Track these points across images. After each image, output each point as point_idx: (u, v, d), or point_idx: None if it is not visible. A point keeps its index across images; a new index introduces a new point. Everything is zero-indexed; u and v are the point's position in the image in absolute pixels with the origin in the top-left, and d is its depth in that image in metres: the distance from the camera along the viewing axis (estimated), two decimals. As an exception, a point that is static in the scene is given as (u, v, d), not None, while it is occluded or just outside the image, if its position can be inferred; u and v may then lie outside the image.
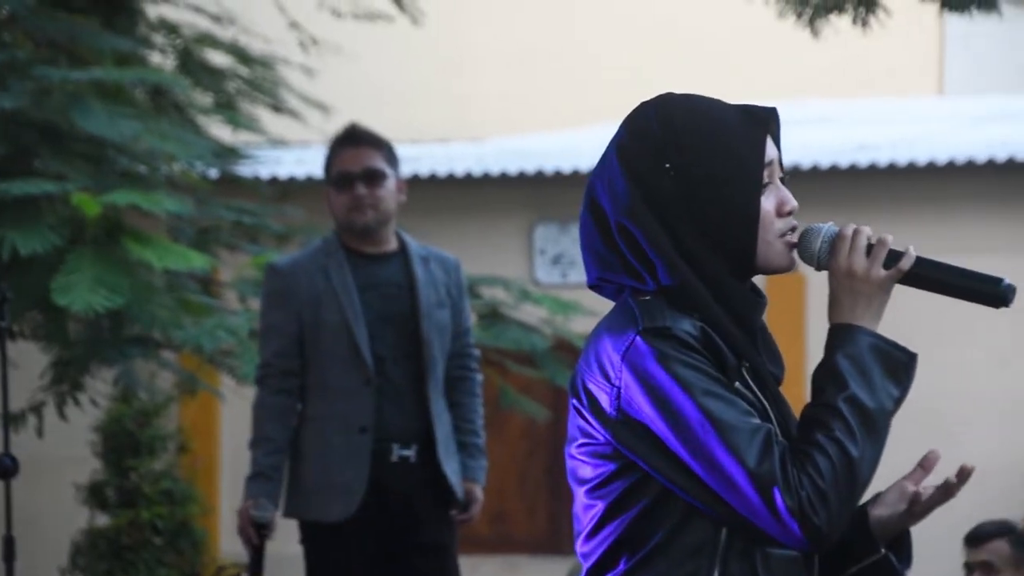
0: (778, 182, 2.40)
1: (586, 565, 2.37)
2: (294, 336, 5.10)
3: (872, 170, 10.08)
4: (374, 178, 5.17)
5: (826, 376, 2.33)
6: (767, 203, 2.37)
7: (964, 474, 2.43)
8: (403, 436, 5.12)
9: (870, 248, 2.39)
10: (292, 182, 10.39)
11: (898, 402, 2.35)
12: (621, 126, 2.42)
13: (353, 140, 5.25)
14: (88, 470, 8.85)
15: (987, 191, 10.12)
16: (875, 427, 2.31)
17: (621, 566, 2.33)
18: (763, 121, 2.38)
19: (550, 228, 10.74)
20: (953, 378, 9.37)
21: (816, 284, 9.99)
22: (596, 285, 2.44)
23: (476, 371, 5.29)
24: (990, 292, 2.40)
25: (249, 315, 6.87)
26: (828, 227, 2.41)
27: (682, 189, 2.35)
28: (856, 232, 2.38)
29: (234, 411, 10.30)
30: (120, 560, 8.45)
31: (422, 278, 5.18)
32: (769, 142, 2.40)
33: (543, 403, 8.08)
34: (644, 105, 2.42)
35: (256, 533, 5.14)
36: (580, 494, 2.37)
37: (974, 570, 6.20)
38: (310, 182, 10.45)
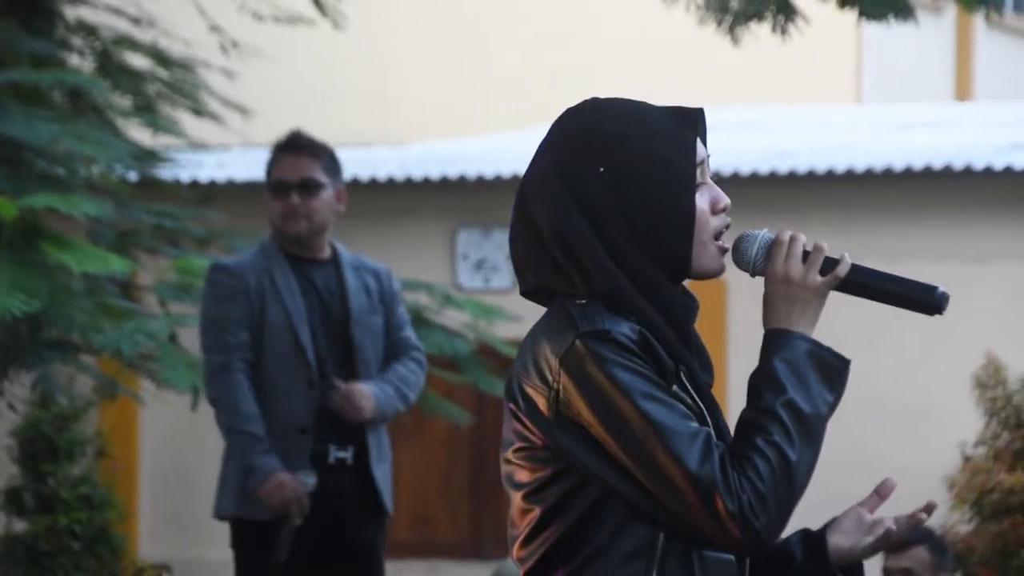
0: (710, 181, 2.41)
1: (523, 570, 2.36)
2: (250, 332, 5.10)
3: (792, 177, 10.16)
4: (309, 188, 5.19)
5: (764, 381, 2.34)
6: (701, 202, 2.38)
7: (930, 508, 2.48)
8: (340, 438, 5.13)
9: (806, 255, 2.40)
10: (213, 185, 10.34)
11: (832, 407, 2.36)
12: (550, 131, 2.41)
13: (293, 148, 5.26)
14: (5, 475, 8.76)
15: (905, 199, 10.21)
16: (812, 432, 2.32)
17: (559, 571, 2.32)
18: (692, 121, 2.39)
19: (473, 233, 10.75)
20: (863, 384, 9.44)
21: (737, 290, 10.06)
22: (529, 292, 2.43)
23: (412, 356, 5.28)
24: (925, 300, 2.40)
25: (169, 319, 6.83)
26: (763, 233, 2.42)
27: (616, 193, 2.34)
28: (793, 238, 2.39)
29: (154, 416, 10.24)
30: (37, 566, 8.37)
31: (353, 285, 5.21)
32: (698, 142, 2.41)
33: (466, 408, 8.08)
34: (573, 110, 2.41)
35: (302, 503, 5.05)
36: (516, 499, 2.36)
37: (894, 576, 6.25)
38: (231, 185, 10.41)
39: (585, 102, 2.41)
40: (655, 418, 2.28)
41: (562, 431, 2.31)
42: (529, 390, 2.33)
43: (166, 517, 10.94)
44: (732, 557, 2.35)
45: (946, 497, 8.11)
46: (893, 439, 9.69)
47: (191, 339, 6.86)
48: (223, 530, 5.35)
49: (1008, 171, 9.87)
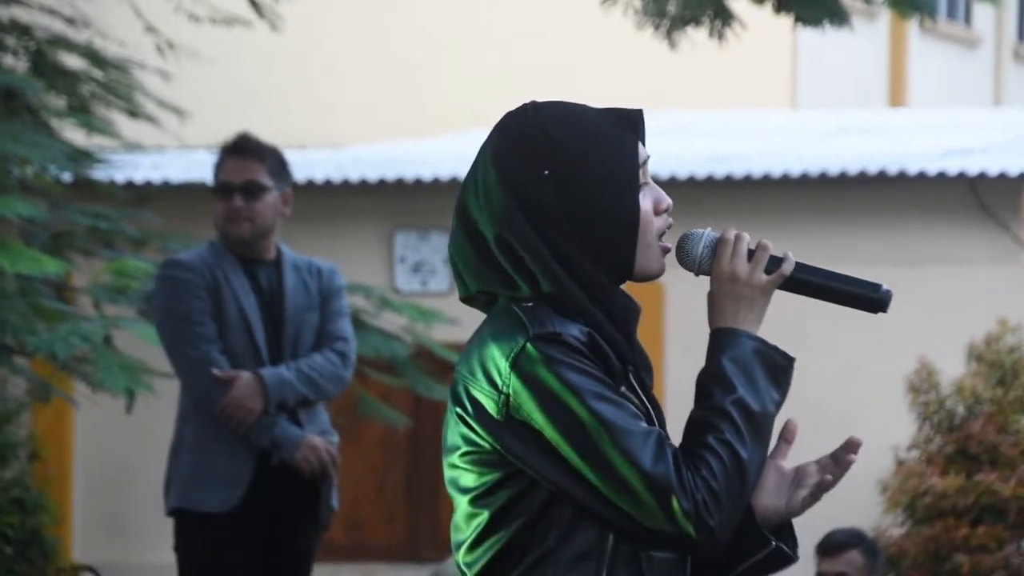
0: (651, 182, 2.41)
1: (469, 574, 2.35)
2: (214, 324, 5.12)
3: (728, 181, 10.20)
4: (253, 191, 5.20)
5: (713, 379, 2.34)
6: (644, 203, 2.38)
7: (854, 446, 2.46)
8: None
9: (751, 253, 2.40)
10: (148, 187, 10.28)
11: (778, 406, 2.37)
12: (492, 135, 2.40)
13: (239, 151, 5.26)
14: (-64, 479, 8.68)
15: (839, 204, 10.28)
16: (761, 430, 2.33)
17: (509, 575, 2.32)
18: (632, 123, 2.39)
19: (410, 236, 10.74)
20: (798, 386, 9.49)
21: (674, 293, 10.09)
22: (469, 298, 2.42)
23: (334, 347, 5.27)
24: (869, 297, 2.40)
25: (104, 321, 6.79)
26: (708, 232, 2.42)
27: (561, 195, 2.34)
28: (738, 237, 2.40)
29: (88, 419, 10.18)
30: (-31, 570, 8.30)
31: (291, 284, 5.22)
32: (639, 143, 2.41)
33: (403, 411, 8.07)
34: (514, 113, 2.41)
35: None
36: (462, 503, 2.35)
37: (828, 580, 6.28)
38: (166, 187, 10.35)
39: (525, 105, 2.41)
40: (608, 419, 2.28)
41: (512, 434, 2.30)
42: (477, 394, 2.33)
43: (100, 520, 10.87)
44: (675, 556, 2.35)
45: (879, 500, 8.16)
46: (827, 442, 9.72)
47: (125, 341, 6.82)
48: (157, 533, 5.34)
49: (941, 177, 9.95)
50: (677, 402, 2.51)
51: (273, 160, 5.26)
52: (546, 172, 2.34)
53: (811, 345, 9.53)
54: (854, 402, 9.90)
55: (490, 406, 2.31)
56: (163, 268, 5.26)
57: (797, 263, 2.41)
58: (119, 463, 10.74)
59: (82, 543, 10.87)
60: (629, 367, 2.36)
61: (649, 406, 2.38)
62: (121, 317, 6.87)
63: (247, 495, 5.09)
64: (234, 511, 5.07)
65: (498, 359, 2.31)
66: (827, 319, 8.68)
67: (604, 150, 2.36)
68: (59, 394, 7.68)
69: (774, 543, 2.40)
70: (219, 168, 5.28)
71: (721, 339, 2.37)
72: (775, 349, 2.38)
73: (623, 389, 2.33)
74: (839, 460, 2.47)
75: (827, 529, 6.53)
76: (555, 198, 2.34)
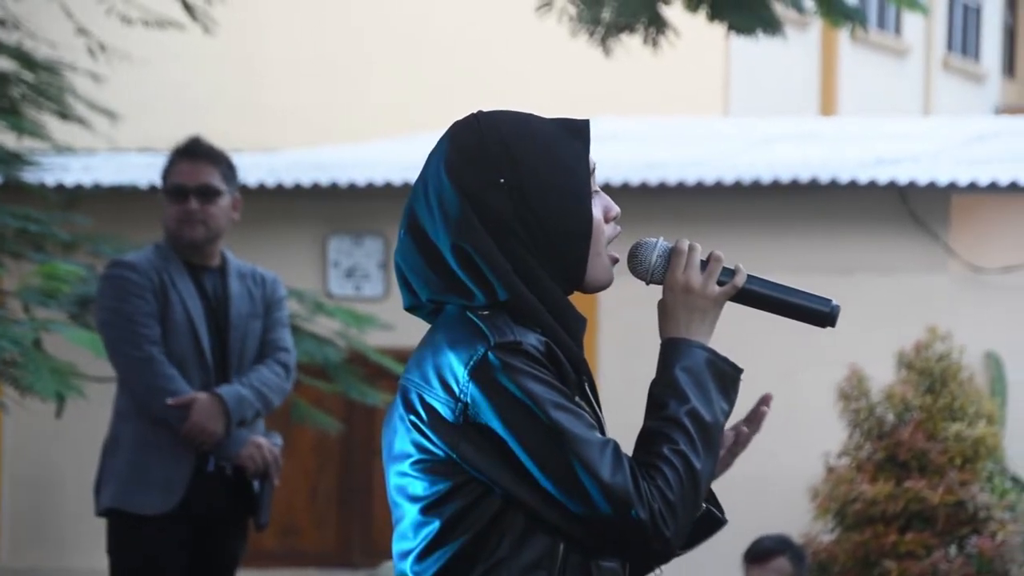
0: (599, 190, 2.43)
1: None
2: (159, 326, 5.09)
3: (663, 189, 10.24)
4: (208, 194, 5.19)
5: (666, 390, 2.35)
6: (595, 211, 2.39)
7: (767, 400, 2.50)
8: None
9: (703, 264, 2.42)
10: (79, 190, 10.22)
11: (727, 416, 2.38)
12: (443, 144, 2.40)
13: (192, 154, 5.25)
14: None
15: (772, 211, 10.34)
16: (712, 441, 2.34)
17: None
18: (582, 132, 2.40)
19: (344, 241, 10.71)
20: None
21: (607, 307, 10.12)
22: (413, 306, 2.41)
23: (278, 359, 5.27)
24: (819, 312, 2.42)
25: (34, 325, 6.74)
26: (661, 242, 2.43)
27: (517, 203, 2.34)
28: (691, 247, 2.41)
29: (17, 423, 10.09)
30: None
31: (236, 291, 5.22)
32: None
33: (335, 416, 8.04)
34: (465, 122, 2.41)
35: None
36: (412, 512, 2.34)
37: (757, 585, 6.31)
38: (98, 190, 10.29)
39: (475, 114, 2.41)
40: (566, 428, 2.28)
41: (468, 442, 2.30)
42: (432, 401, 2.32)
43: (28, 525, 10.77)
44: (618, 565, 2.36)
45: (810, 507, 8.21)
46: (759, 449, 9.78)
47: (56, 345, 6.77)
48: (85, 537, 5.30)
49: (872, 185, 10.03)
50: (609, 412, 2.51)
51: (225, 164, 5.26)
52: (501, 180, 2.35)
53: (744, 353, 9.56)
54: (786, 409, 9.95)
55: (446, 413, 2.31)
56: (109, 268, 5.23)
57: (749, 275, 2.43)
58: (47, 467, 10.65)
59: (10, 547, 10.78)
60: (584, 377, 2.37)
61: (599, 415, 2.39)
62: (51, 320, 6.82)
63: (184, 499, 5.07)
64: (171, 514, 5.06)
65: (456, 367, 2.31)
66: (760, 327, 8.72)
67: (557, 159, 2.37)
68: (-12, 398, 7.61)
69: (704, 505, 2.42)
70: (170, 171, 5.26)
71: (674, 349, 2.38)
72: (725, 360, 2.39)
73: (577, 399, 2.34)
74: (754, 415, 2.50)
75: (757, 535, 6.56)
76: (510, 207, 2.35)
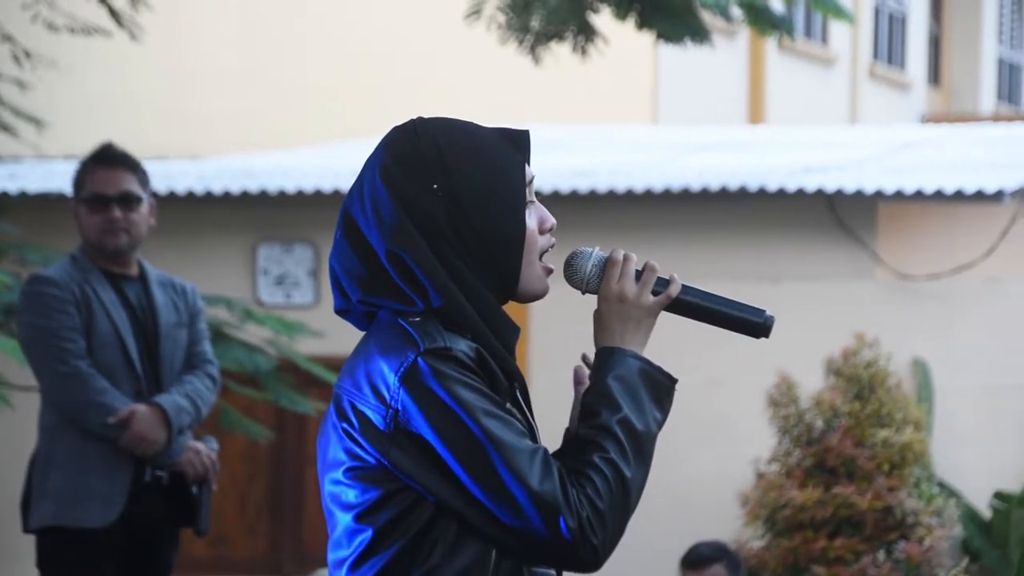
0: (536, 200, 2.44)
1: None
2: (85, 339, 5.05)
3: (592, 196, 10.26)
4: (129, 202, 5.16)
5: (598, 398, 2.36)
6: (530, 221, 2.40)
7: (585, 359, 2.51)
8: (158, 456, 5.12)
9: (638, 274, 2.43)
10: (5, 197, 10.12)
11: (660, 425, 2.39)
12: (380, 149, 2.40)
13: (108, 160, 5.19)
14: None
15: (701, 219, 10.38)
16: (644, 450, 2.34)
17: None
18: (520, 142, 2.41)
19: (273, 248, 10.67)
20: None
21: (539, 315, 10.12)
22: (344, 310, 2.41)
23: (207, 371, 5.27)
24: (753, 323, 2.44)
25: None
26: (596, 251, 2.44)
27: (451, 210, 2.35)
28: (626, 257, 2.42)
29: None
30: None
31: (161, 301, 5.19)
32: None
33: (265, 424, 8.01)
34: (403, 128, 2.41)
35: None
36: (345, 519, 2.33)
37: (693, 592, 6.33)
38: (24, 198, 10.20)
39: (413, 120, 2.41)
40: (496, 435, 2.28)
41: (399, 449, 2.30)
42: (364, 408, 2.31)
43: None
44: (553, 573, 2.37)
45: (740, 513, 8.24)
46: (689, 455, 9.83)
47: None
48: (15, 547, 5.23)
49: (800, 193, 10.09)
50: (540, 419, 2.51)
51: (140, 170, 5.23)
52: (435, 186, 2.35)
53: (673, 361, 9.59)
54: (716, 416, 9.99)
55: (377, 421, 2.30)
56: (28, 284, 5.17)
57: (683, 285, 2.44)
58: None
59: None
60: (515, 384, 2.37)
61: (532, 422, 2.39)
62: (-22, 329, 6.75)
63: (123, 510, 5.04)
64: (110, 527, 5.02)
65: (387, 373, 2.30)
66: (688, 335, 8.75)
67: (493, 167, 2.37)
68: (-88, 408, 7.52)
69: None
70: (87, 179, 5.20)
71: (608, 358, 2.39)
72: (659, 370, 2.40)
73: (508, 405, 2.34)
74: (584, 358, 2.52)
75: (691, 542, 6.59)
76: (444, 213, 2.35)
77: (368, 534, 2.31)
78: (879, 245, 10.26)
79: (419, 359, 2.30)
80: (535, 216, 2.41)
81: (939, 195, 9.94)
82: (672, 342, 9.57)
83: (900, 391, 8.35)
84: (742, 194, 10.12)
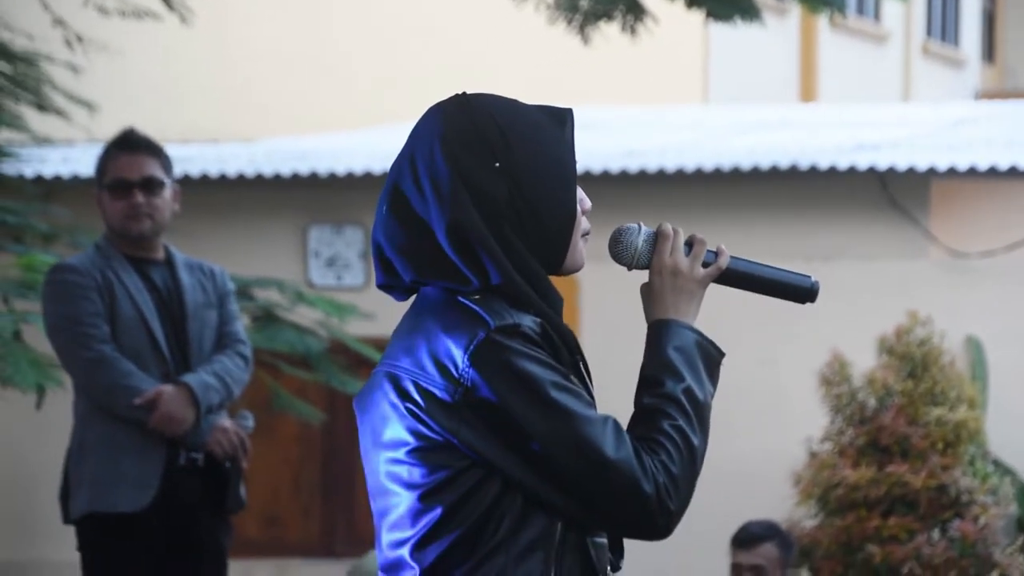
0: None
1: (419, 567, 2.33)
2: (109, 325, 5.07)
3: (642, 176, 10.24)
4: (152, 187, 5.16)
5: (661, 369, 2.38)
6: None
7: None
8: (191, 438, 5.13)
9: (688, 248, 2.45)
10: (58, 181, 10.19)
11: (712, 398, 2.42)
12: (435, 123, 2.39)
13: (130, 146, 5.20)
14: None
15: (751, 198, 10.34)
16: (705, 419, 2.38)
17: (457, 569, 2.32)
18: (565, 120, 2.42)
19: (324, 230, 10.70)
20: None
21: (589, 289, 10.12)
22: (387, 285, 2.42)
23: (238, 351, 5.26)
24: (800, 288, 2.49)
25: (13, 316, 6.72)
26: (643, 227, 2.47)
27: (511, 188, 2.36)
28: (676, 231, 2.45)
29: (-4, 416, 10.06)
30: None
31: (188, 283, 5.20)
32: None
33: (317, 406, 8.04)
34: (456, 103, 2.40)
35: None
36: (409, 499, 2.34)
37: (744, 572, 6.32)
38: (76, 181, 10.25)
39: (465, 96, 2.41)
40: (569, 407, 2.30)
41: (469, 427, 2.31)
42: (429, 387, 2.32)
43: (7, 518, 10.75)
44: (606, 540, 2.38)
45: (792, 493, 8.22)
46: (742, 434, 9.81)
47: (35, 337, 6.75)
48: (62, 531, 5.27)
49: (852, 171, 10.04)
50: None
51: (163, 155, 5.23)
52: (496, 164, 2.36)
53: (726, 340, 9.56)
54: (768, 395, 9.97)
55: (445, 398, 2.31)
56: (50, 273, 5.19)
57: (731, 256, 2.47)
58: (26, 460, 10.62)
59: (-9, 541, 10.75)
60: (578, 356, 2.39)
61: (592, 394, 2.41)
62: (31, 312, 6.80)
63: (158, 494, 5.05)
64: (145, 511, 5.04)
65: (454, 352, 2.31)
66: (739, 314, 8.73)
67: (550, 145, 2.39)
68: (-33, 391, 7.58)
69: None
70: (110, 164, 5.20)
71: (664, 330, 2.41)
72: (711, 343, 2.43)
73: (573, 378, 2.36)
74: None
75: (742, 521, 6.57)
76: (505, 191, 2.36)
77: (436, 514, 2.32)
78: (932, 223, 10.20)
79: (489, 336, 2.31)
80: (578, 196, 2.43)
81: (993, 172, 9.87)
82: (726, 321, 9.56)
83: (954, 369, 8.30)
84: (793, 173, 10.08)
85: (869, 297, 9.95)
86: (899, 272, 10.10)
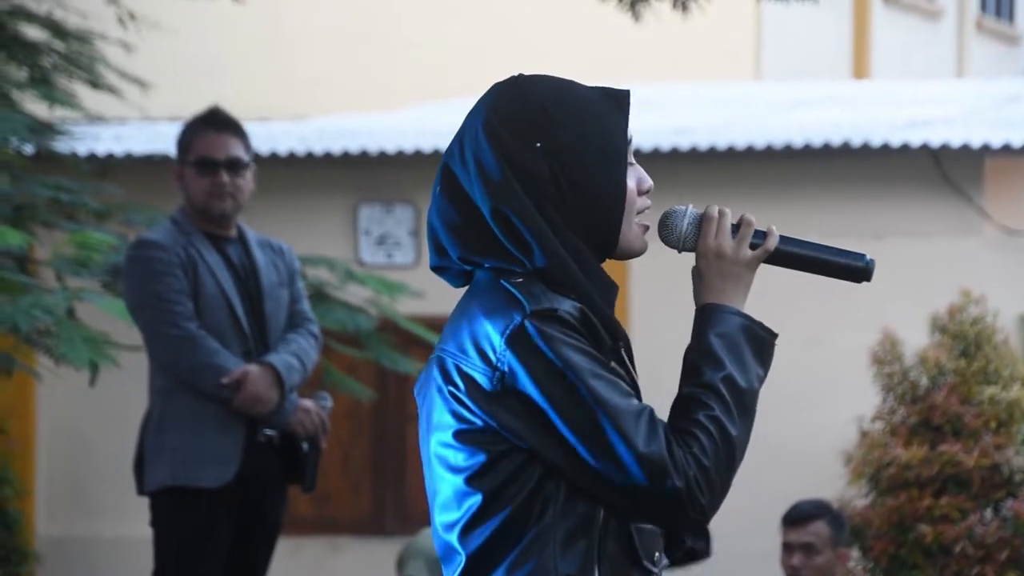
0: (635, 162, 2.43)
1: (465, 553, 2.34)
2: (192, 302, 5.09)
3: (693, 154, 10.21)
4: (237, 167, 5.21)
5: (702, 356, 2.35)
6: (630, 182, 2.39)
7: None
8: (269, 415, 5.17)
9: (735, 229, 2.42)
10: (110, 159, 10.23)
11: (762, 381, 2.38)
12: (483, 105, 2.40)
13: (217, 124, 5.24)
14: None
15: (804, 175, 10.30)
16: (748, 407, 2.34)
17: (505, 553, 2.32)
18: (622, 101, 2.40)
19: (374, 209, 10.71)
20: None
21: (639, 273, 10.10)
22: (440, 267, 2.42)
23: (310, 330, 5.30)
24: (855, 267, 2.42)
25: (67, 294, 6.76)
26: (691, 209, 2.43)
27: (555, 168, 2.35)
28: (722, 213, 2.41)
29: (51, 392, 10.13)
30: (-68, 544, 8.26)
31: (262, 261, 5.23)
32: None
33: (368, 384, 8.05)
34: (506, 84, 2.40)
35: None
36: (455, 482, 2.34)
37: (795, 550, 6.30)
38: (129, 159, 10.30)
39: (516, 78, 2.41)
40: (602, 397, 2.29)
41: (506, 411, 2.30)
42: (469, 370, 2.32)
43: (63, 494, 10.83)
44: (657, 528, 2.37)
45: (843, 472, 8.19)
46: (792, 414, 9.78)
47: (89, 314, 6.79)
48: (122, 506, 5.30)
49: (905, 148, 9.98)
50: (643, 380, 2.51)
51: (245, 135, 5.27)
52: (538, 144, 2.35)
53: (774, 319, 9.53)
54: (819, 374, 9.93)
55: (483, 382, 2.31)
56: (134, 248, 5.21)
57: (780, 236, 2.43)
58: (82, 436, 10.70)
59: (46, 517, 10.84)
60: (620, 342, 2.37)
61: (636, 381, 2.39)
62: (84, 289, 6.83)
63: (238, 470, 5.09)
64: (227, 486, 5.07)
65: (492, 335, 2.31)
66: (789, 293, 8.69)
67: (597, 126, 2.37)
68: (22, 367, 7.64)
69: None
70: (195, 142, 5.23)
71: (709, 315, 2.38)
72: (760, 325, 2.39)
73: (613, 364, 2.34)
74: None
75: (793, 500, 6.55)
76: (549, 171, 2.35)
77: (478, 498, 2.32)
78: (985, 200, 10.12)
79: (525, 321, 2.30)
80: (634, 177, 2.40)
81: (1047, 149, 9.79)
82: (776, 300, 9.53)
83: (1007, 348, 8.24)
84: (845, 150, 10.02)
85: (922, 275, 9.90)
86: (952, 250, 10.04)
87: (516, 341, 2.30)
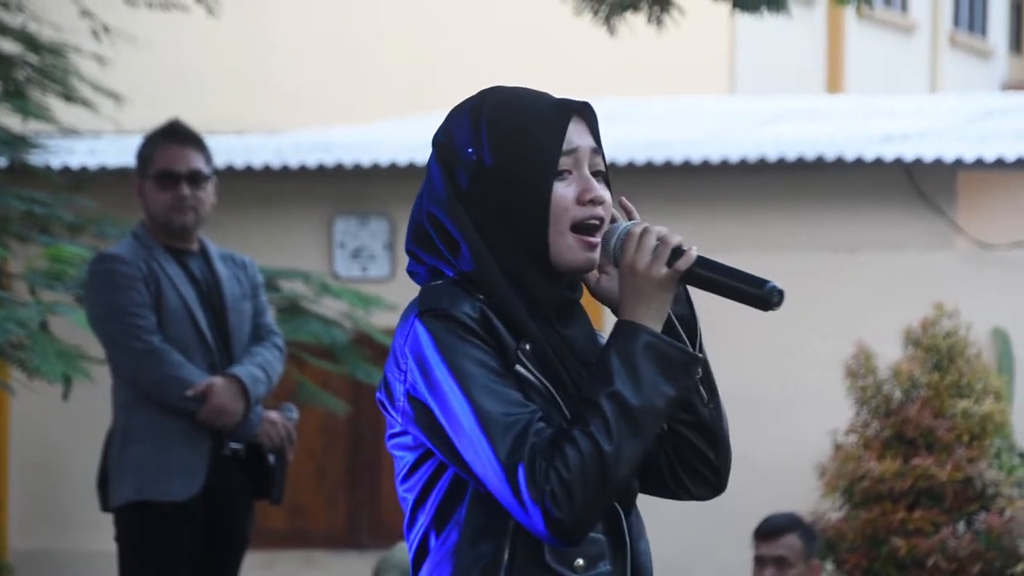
0: (586, 172, 2.43)
1: (411, 555, 2.41)
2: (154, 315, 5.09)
3: (667, 167, 10.22)
4: (198, 180, 5.19)
5: (595, 370, 2.36)
6: (566, 191, 2.41)
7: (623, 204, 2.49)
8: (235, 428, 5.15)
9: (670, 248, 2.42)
10: (84, 172, 10.21)
11: (672, 400, 2.35)
12: (446, 116, 2.48)
13: (178, 137, 5.22)
14: None
15: (778, 189, 10.32)
16: (638, 424, 2.32)
17: (431, 550, 2.37)
18: (568, 110, 2.43)
19: (350, 222, 10.71)
20: (737, 372, 9.54)
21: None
22: (411, 272, 2.49)
23: (274, 342, 5.29)
24: (755, 295, 2.39)
25: (40, 307, 6.74)
26: (624, 225, 2.44)
27: (481, 177, 2.40)
28: (645, 231, 2.40)
29: (24, 405, 10.10)
30: (-96, 559, 8.22)
31: (224, 274, 5.22)
32: (583, 132, 2.43)
33: (342, 397, 8.05)
34: (469, 98, 2.47)
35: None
36: (400, 487, 2.42)
37: (767, 564, 6.31)
38: (103, 172, 10.28)
39: (482, 89, 2.47)
40: (478, 403, 2.32)
41: (412, 415, 2.36)
42: (390, 377, 2.39)
43: (36, 508, 10.80)
44: (601, 536, 2.38)
45: (817, 485, 8.20)
46: (766, 427, 9.80)
47: (62, 327, 6.77)
48: (94, 520, 5.29)
49: (879, 162, 10.01)
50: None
51: (205, 148, 5.26)
52: (469, 150, 2.40)
53: (747, 332, 9.57)
54: (792, 387, 9.95)
55: (398, 388, 2.37)
56: (95, 263, 5.20)
57: (698, 258, 2.40)
58: (55, 450, 10.67)
59: (19, 530, 10.80)
60: (525, 344, 2.37)
61: (551, 384, 2.38)
62: (57, 303, 6.82)
63: (204, 483, 5.08)
64: (192, 500, 5.06)
65: (399, 340, 2.38)
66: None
67: (525, 134, 2.40)
68: (-6, 381, 7.61)
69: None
70: (155, 155, 5.23)
71: (618, 332, 2.39)
72: (672, 344, 2.37)
73: (516, 367, 2.36)
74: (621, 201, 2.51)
75: (766, 513, 6.56)
76: (477, 177, 2.40)
77: (411, 498, 2.39)
78: (959, 214, 10.16)
79: (416, 321, 2.35)
80: (575, 186, 2.41)
81: (1020, 163, 9.83)
82: (749, 313, 9.54)
83: (980, 361, 8.27)
84: (819, 164, 10.05)
85: (895, 289, 9.93)
86: (925, 264, 10.07)
87: (410, 344, 2.35)
